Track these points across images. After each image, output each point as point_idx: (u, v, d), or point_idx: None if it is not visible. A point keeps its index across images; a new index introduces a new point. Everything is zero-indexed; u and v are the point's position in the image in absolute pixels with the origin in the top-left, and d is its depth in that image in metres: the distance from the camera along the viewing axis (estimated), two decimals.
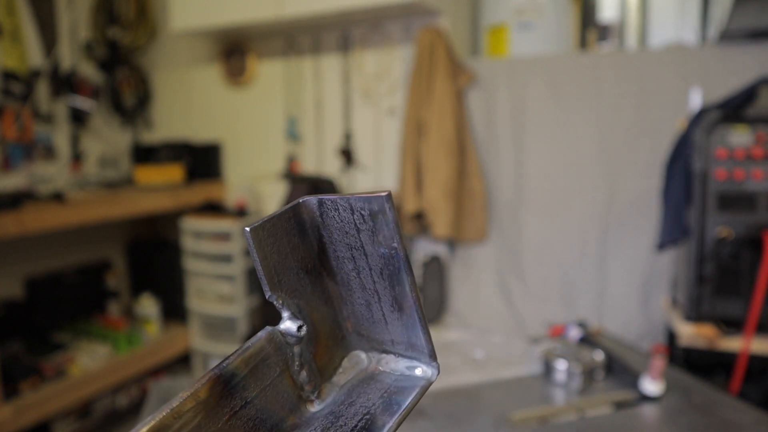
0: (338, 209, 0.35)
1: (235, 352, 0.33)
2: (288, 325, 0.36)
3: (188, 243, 2.78)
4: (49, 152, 2.79)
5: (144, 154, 3.11)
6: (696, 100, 2.00)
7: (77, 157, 2.93)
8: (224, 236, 2.67)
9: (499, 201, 2.39)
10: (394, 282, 0.35)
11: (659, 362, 1.08)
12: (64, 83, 2.83)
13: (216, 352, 2.74)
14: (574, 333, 1.34)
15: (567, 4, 2.39)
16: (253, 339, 0.34)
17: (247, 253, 2.70)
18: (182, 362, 3.05)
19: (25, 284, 2.65)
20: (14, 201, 2.12)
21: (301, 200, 0.36)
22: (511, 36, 2.37)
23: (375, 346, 0.39)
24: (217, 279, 2.74)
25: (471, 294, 2.47)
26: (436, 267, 2.47)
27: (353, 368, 0.40)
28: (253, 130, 2.99)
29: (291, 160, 2.85)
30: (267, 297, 0.35)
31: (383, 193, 0.33)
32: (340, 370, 0.39)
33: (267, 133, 2.94)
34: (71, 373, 2.39)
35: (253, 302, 2.76)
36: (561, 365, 1.16)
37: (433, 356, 0.37)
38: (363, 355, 0.40)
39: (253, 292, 2.76)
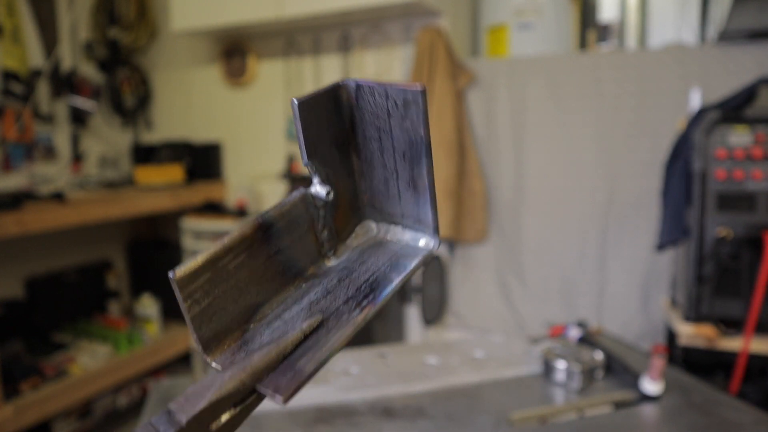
0: (374, 95, 0.39)
1: (275, 206, 0.39)
2: (318, 189, 0.41)
3: (188, 243, 2.78)
4: (49, 152, 2.79)
5: (144, 154, 3.11)
6: (696, 100, 2.00)
7: (78, 157, 2.93)
8: (224, 236, 2.67)
9: (499, 201, 2.39)
10: (414, 164, 0.39)
11: (659, 362, 1.08)
12: (65, 83, 2.83)
13: None
14: (574, 333, 1.34)
15: (567, 4, 2.39)
16: (289, 197, 0.40)
17: None
18: (182, 362, 3.05)
19: (26, 284, 2.65)
20: (15, 201, 2.12)
21: (341, 82, 0.40)
22: (511, 36, 2.37)
23: (386, 218, 0.44)
24: None
25: (471, 294, 2.47)
26: (436, 267, 2.47)
27: (364, 235, 0.45)
28: (253, 130, 2.99)
29: (291, 160, 2.85)
30: (303, 163, 0.39)
31: (419, 87, 0.36)
32: (353, 235, 0.45)
33: (267, 133, 2.94)
34: (71, 373, 2.39)
35: None
36: (561, 365, 1.16)
37: (436, 231, 0.42)
38: (373, 225, 0.45)
39: None
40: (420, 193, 0.40)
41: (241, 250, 0.37)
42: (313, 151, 0.39)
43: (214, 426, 0.32)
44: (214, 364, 0.35)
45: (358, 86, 0.39)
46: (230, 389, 0.32)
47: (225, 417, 0.33)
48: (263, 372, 0.34)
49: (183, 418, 0.31)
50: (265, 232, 0.38)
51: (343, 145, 0.42)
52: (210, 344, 0.35)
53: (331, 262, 0.43)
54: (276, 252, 0.39)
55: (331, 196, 0.41)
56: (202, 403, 0.31)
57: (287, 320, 0.38)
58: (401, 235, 0.44)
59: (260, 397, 0.35)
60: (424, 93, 0.36)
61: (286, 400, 0.33)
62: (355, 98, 0.40)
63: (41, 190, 2.51)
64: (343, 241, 0.44)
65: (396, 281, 0.39)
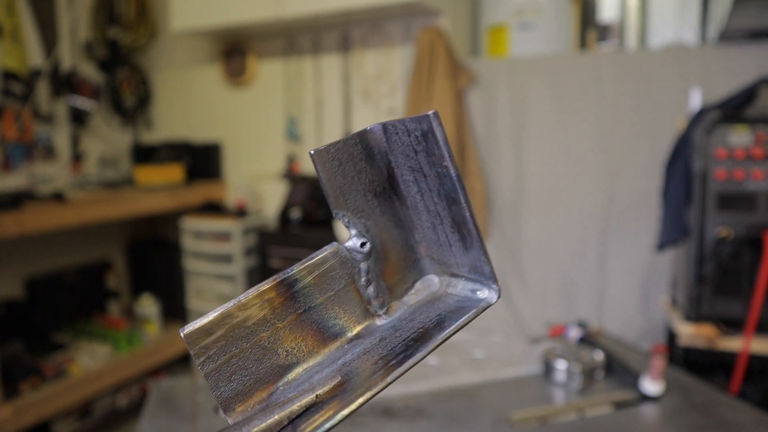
0: (398, 133, 0.37)
1: (302, 261, 0.37)
2: (353, 241, 0.38)
3: (188, 243, 2.78)
4: (49, 152, 2.79)
5: (144, 154, 3.11)
6: (696, 100, 2.00)
7: (77, 157, 2.93)
8: (224, 236, 2.67)
9: (499, 201, 2.39)
10: (450, 201, 0.37)
11: (659, 362, 1.08)
12: (65, 83, 2.83)
13: None
14: (574, 333, 1.34)
15: (567, 4, 2.39)
16: (318, 251, 0.37)
17: (247, 252, 2.71)
18: (182, 362, 3.05)
19: (26, 284, 2.65)
20: (14, 201, 2.12)
21: (368, 128, 0.38)
22: (511, 36, 2.37)
23: (445, 270, 0.41)
24: (217, 279, 2.74)
25: None
26: None
27: (425, 290, 0.42)
28: (253, 130, 2.99)
29: (291, 160, 2.85)
30: (333, 214, 0.38)
31: (430, 113, 0.34)
32: (412, 291, 0.41)
33: (267, 133, 2.94)
34: (71, 373, 2.39)
35: None
36: (561, 365, 1.16)
37: (493, 278, 0.38)
38: (436, 279, 0.42)
39: None
40: (466, 236, 0.37)
41: (262, 306, 0.35)
42: (341, 202, 0.37)
43: None
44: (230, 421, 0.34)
45: (385, 128, 0.37)
46: None
47: None
48: None
49: None
50: (289, 288, 0.36)
51: (383, 193, 0.39)
52: (230, 404, 0.34)
53: (382, 321, 0.40)
54: (306, 310, 0.36)
55: (367, 247, 0.38)
56: None
57: (315, 382, 0.36)
58: (461, 287, 0.40)
59: None
60: (436, 116, 0.34)
61: None
62: (386, 141, 0.38)
63: (41, 190, 2.51)
64: (398, 297, 0.41)
65: (436, 339, 0.36)
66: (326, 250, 0.37)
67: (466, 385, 1.16)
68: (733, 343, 1.56)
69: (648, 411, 1.07)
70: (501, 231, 2.40)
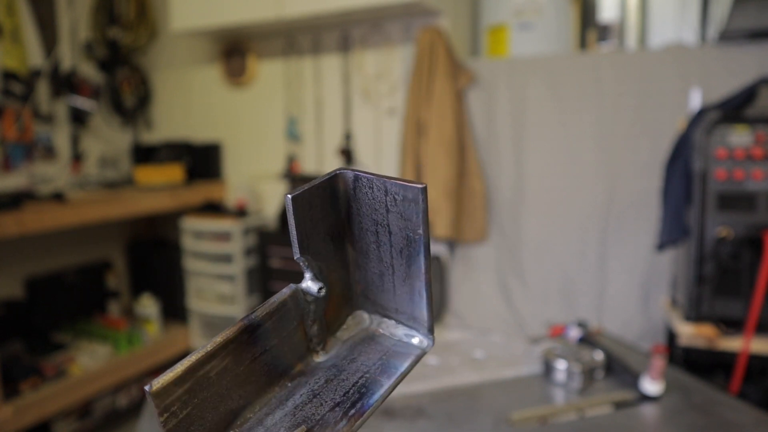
0: (372, 188, 0.38)
1: (263, 304, 0.37)
2: (310, 285, 0.39)
3: (188, 243, 2.78)
4: (49, 152, 2.79)
5: (144, 154, 3.11)
6: (696, 100, 2.00)
7: (77, 157, 2.93)
8: (224, 236, 2.67)
9: (499, 201, 2.39)
10: (411, 262, 0.38)
11: (659, 362, 1.08)
12: (65, 83, 2.83)
13: None
14: (574, 333, 1.34)
15: (567, 4, 2.39)
16: (278, 294, 0.38)
17: (247, 252, 2.70)
18: None
19: (26, 284, 2.65)
20: (14, 201, 2.12)
21: (338, 171, 0.39)
22: (511, 36, 2.37)
23: (378, 309, 0.42)
24: (217, 279, 2.74)
25: (471, 294, 2.47)
26: (436, 267, 2.47)
27: (356, 326, 0.43)
28: (253, 130, 2.99)
29: (291, 160, 2.85)
30: (295, 258, 0.38)
31: (420, 186, 0.35)
32: (344, 326, 0.43)
33: (267, 133, 2.94)
34: (71, 373, 2.39)
35: (253, 302, 2.76)
36: (561, 365, 1.16)
37: (431, 330, 0.40)
38: (366, 316, 0.43)
39: (253, 291, 2.76)
40: (415, 291, 0.39)
41: (225, 354, 0.34)
42: (306, 246, 0.38)
43: None
44: None
45: (357, 177, 0.38)
46: None
47: None
48: None
49: None
50: (252, 333, 0.36)
51: (338, 235, 0.40)
52: None
53: (320, 358, 0.40)
54: (262, 353, 0.37)
55: (323, 291, 0.39)
56: None
57: (269, 427, 0.35)
58: (394, 329, 0.42)
59: None
60: (424, 191, 0.35)
61: None
62: (352, 189, 0.39)
63: (41, 190, 2.51)
64: (333, 333, 0.42)
65: (386, 386, 0.37)
66: (285, 293, 0.38)
67: (466, 385, 1.16)
68: (733, 343, 1.56)
69: (648, 411, 1.07)
70: (501, 231, 2.40)
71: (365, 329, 0.43)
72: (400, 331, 0.42)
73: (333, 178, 0.39)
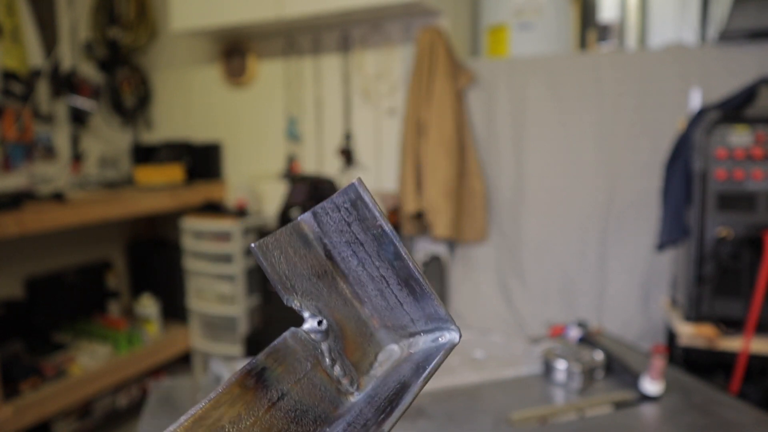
0: (328, 213, 0.38)
1: (263, 351, 0.36)
2: (309, 323, 0.39)
3: (188, 243, 2.78)
4: (49, 152, 2.79)
5: (144, 154, 3.11)
6: (696, 100, 2.00)
7: (77, 157, 2.93)
8: (224, 236, 2.67)
9: (499, 201, 2.39)
10: (392, 258, 0.38)
11: (659, 362, 1.08)
12: (65, 83, 2.83)
13: (216, 352, 2.74)
14: (574, 333, 1.34)
15: (567, 4, 2.39)
16: (278, 339, 0.38)
17: (247, 252, 2.70)
18: (182, 362, 3.05)
19: (26, 284, 2.65)
20: (14, 201, 2.12)
21: (299, 218, 0.40)
22: (511, 36, 2.37)
23: (401, 333, 0.42)
24: (217, 279, 2.74)
25: (471, 294, 2.47)
26: (436, 267, 2.47)
27: (388, 360, 0.42)
28: (253, 130, 2.99)
29: (291, 160, 2.85)
30: (285, 302, 0.39)
31: (354, 181, 0.36)
32: (377, 364, 0.42)
33: (267, 133, 2.94)
34: (71, 373, 2.39)
35: (253, 302, 2.76)
36: (561, 365, 1.16)
37: (450, 320, 0.39)
38: (396, 347, 0.42)
39: (253, 291, 2.76)
40: (415, 288, 0.38)
41: (233, 401, 0.33)
42: (289, 288, 0.38)
43: None
44: None
45: (314, 213, 0.39)
46: None
47: None
48: None
49: None
50: (258, 378, 0.35)
51: (325, 274, 0.40)
52: None
53: (356, 398, 0.40)
54: (280, 397, 0.36)
55: (324, 325, 0.39)
56: None
57: None
58: (423, 342, 0.41)
59: None
60: (360, 182, 0.36)
61: None
62: (317, 226, 0.39)
63: (41, 190, 2.51)
64: (365, 373, 0.41)
65: (416, 384, 0.36)
66: (285, 336, 0.38)
67: (466, 385, 1.16)
68: (732, 343, 1.56)
69: (648, 411, 1.07)
70: (501, 231, 2.40)
71: (398, 359, 0.42)
72: (428, 340, 0.41)
73: (295, 225, 0.39)
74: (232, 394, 0.33)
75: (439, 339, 0.40)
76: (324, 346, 0.39)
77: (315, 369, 0.38)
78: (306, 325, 0.39)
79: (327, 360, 0.39)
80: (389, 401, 0.37)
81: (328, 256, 0.40)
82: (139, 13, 3.10)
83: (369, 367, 0.42)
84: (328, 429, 0.37)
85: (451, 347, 0.39)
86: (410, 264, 0.37)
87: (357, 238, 0.38)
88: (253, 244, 0.37)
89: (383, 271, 0.39)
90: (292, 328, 0.39)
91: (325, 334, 0.39)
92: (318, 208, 0.39)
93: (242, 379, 0.34)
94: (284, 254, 0.38)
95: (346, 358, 0.40)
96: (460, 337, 0.39)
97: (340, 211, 0.38)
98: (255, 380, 0.35)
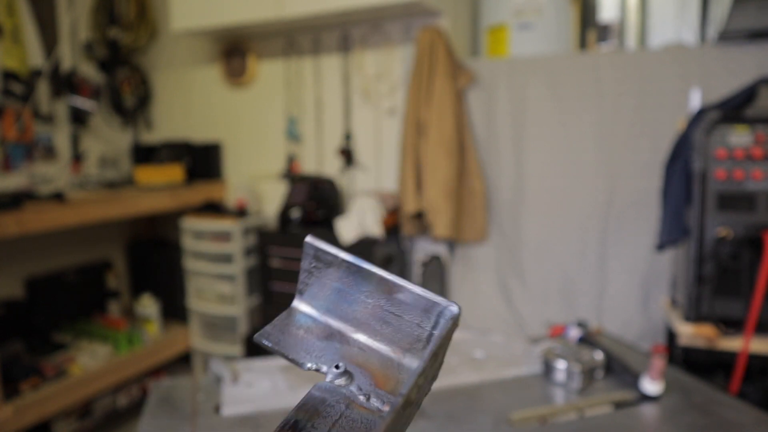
0: (306, 282, 0.44)
1: (291, 409, 0.39)
2: (329, 374, 0.41)
3: (188, 243, 2.78)
4: (49, 152, 2.79)
5: (144, 154, 3.11)
6: (696, 100, 2.00)
7: (77, 158, 2.93)
8: (224, 236, 2.67)
9: (499, 201, 2.39)
10: (371, 281, 0.40)
11: (659, 362, 1.08)
12: (65, 83, 2.83)
13: (216, 352, 2.74)
14: (574, 333, 1.34)
15: (567, 4, 2.39)
16: (304, 396, 0.40)
17: (247, 252, 2.71)
18: (182, 362, 3.05)
19: (26, 284, 2.65)
20: (15, 201, 2.12)
21: (291, 306, 0.45)
22: (511, 36, 2.37)
23: (420, 346, 0.42)
24: (217, 279, 2.74)
25: (471, 294, 2.47)
26: (436, 267, 2.47)
27: None
28: (253, 130, 2.99)
29: (291, 160, 2.85)
30: (300, 367, 0.42)
31: (306, 239, 0.41)
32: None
33: (267, 133, 2.94)
34: (71, 373, 2.39)
35: (253, 302, 2.76)
36: (561, 365, 1.16)
37: (440, 299, 0.40)
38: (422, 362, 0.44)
39: (253, 291, 2.76)
40: (400, 293, 0.39)
41: None
42: (302, 356, 0.42)
43: None
44: None
45: (299, 291, 0.44)
46: None
47: None
48: None
49: None
50: (294, 429, 0.37)
51: (332, 335, 0.43)
52: None
53: None
54: None
55: (342, 367, 0.41)
56: None
57: None
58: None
59: None
60: (311, 236, 0.41)
61: None
62: (306, 298, 0.45)
63: (41, 190, 2.51)
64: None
65: (426, 352, 0.38)
66: (310, 391, 0.40)
67: (466, 385, 1.16)
68: (732, 343, 1.56)
69: (648, 411, 1.07)
70: (501, 231, 2.40)
71: None
72: (436, 332, 0.41)
73: (290, 311, 0.44)
74: None
75: (441, 321, 0.41)
76: (353, 387, 0.41)
77: (351, 408, 0.40)
78: (328, 377, 0.41)
79: (361, 397, 0.40)
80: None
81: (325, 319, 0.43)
82: (139, 13, 3.10)
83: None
84: None
85: (452, 318, 0.39)
86: (384, 275, 0.39)
87: (337, 285, 0.41)
88: (256, 335, 0.41)
89: (373, 299, 0.41)
90: (316, 383, 0.41)
91: (350, 376, 0.41)
92: (299, 284, 0.43)
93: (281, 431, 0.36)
94: (287, 333, 0.42)
95: (380, 389, 0.41)
96: (459, 307, 0.39)
97: (312, 273, 0.41)
98: (291, 430, 0.37)
